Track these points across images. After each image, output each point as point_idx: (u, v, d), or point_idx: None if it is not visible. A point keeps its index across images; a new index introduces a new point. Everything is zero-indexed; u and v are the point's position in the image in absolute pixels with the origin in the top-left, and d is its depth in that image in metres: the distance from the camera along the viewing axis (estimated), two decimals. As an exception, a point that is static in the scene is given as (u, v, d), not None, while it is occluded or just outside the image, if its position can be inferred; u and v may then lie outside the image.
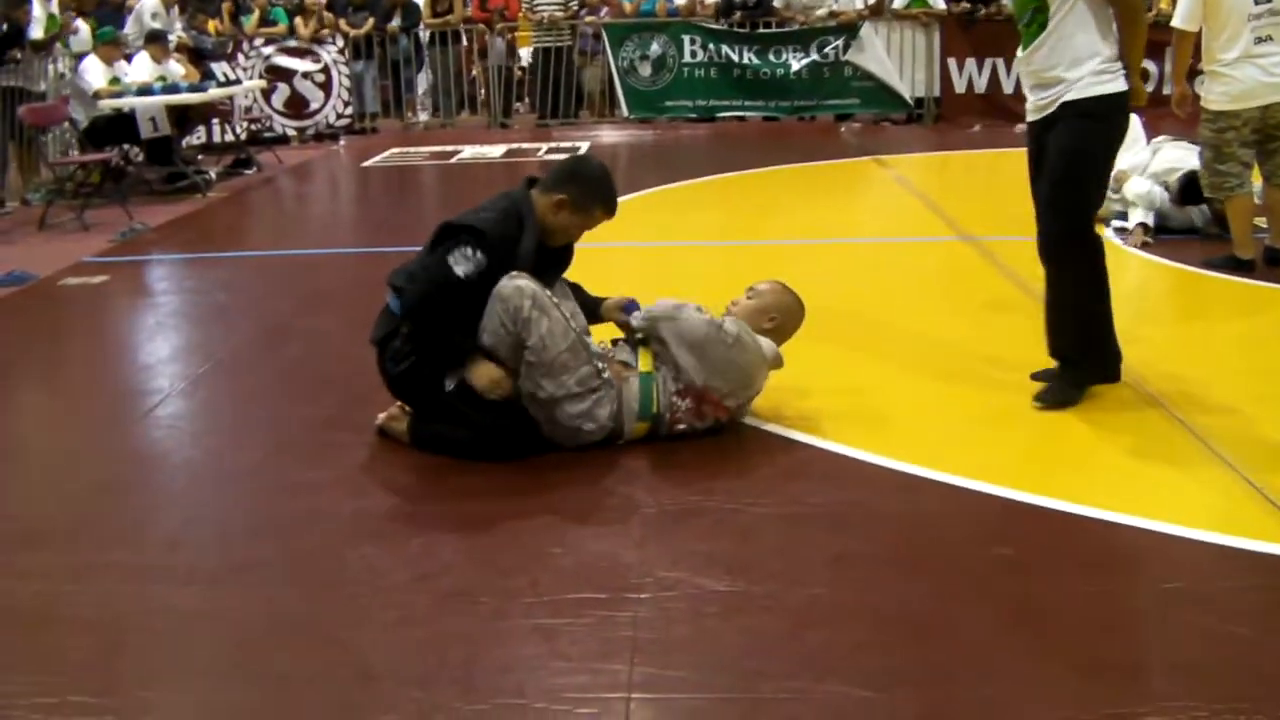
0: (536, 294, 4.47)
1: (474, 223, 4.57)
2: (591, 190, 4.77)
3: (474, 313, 4.56)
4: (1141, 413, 4.97)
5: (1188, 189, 8.16)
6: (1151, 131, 9.15)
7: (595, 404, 4.56)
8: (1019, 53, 5.05)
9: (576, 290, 5.02)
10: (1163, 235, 8.14)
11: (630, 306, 4.89)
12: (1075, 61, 4.80)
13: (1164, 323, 6.58)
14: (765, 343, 4.73)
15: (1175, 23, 7.34)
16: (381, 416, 4.90)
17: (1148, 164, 8.51)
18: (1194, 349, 5.87)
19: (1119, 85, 4.82)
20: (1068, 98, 4.82)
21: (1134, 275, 7.60)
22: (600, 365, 4.61)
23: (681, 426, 4.70)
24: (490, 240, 4.54)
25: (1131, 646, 3.28)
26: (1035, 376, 5.23)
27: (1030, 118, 5.09)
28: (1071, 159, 4.87)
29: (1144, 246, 7.96)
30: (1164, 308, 7.03)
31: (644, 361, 4.70)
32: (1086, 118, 4.81)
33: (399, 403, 4.88)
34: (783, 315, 4.91)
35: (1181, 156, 8.38)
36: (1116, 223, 8.48)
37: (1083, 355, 5.11)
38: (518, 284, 4.47)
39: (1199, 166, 8.04)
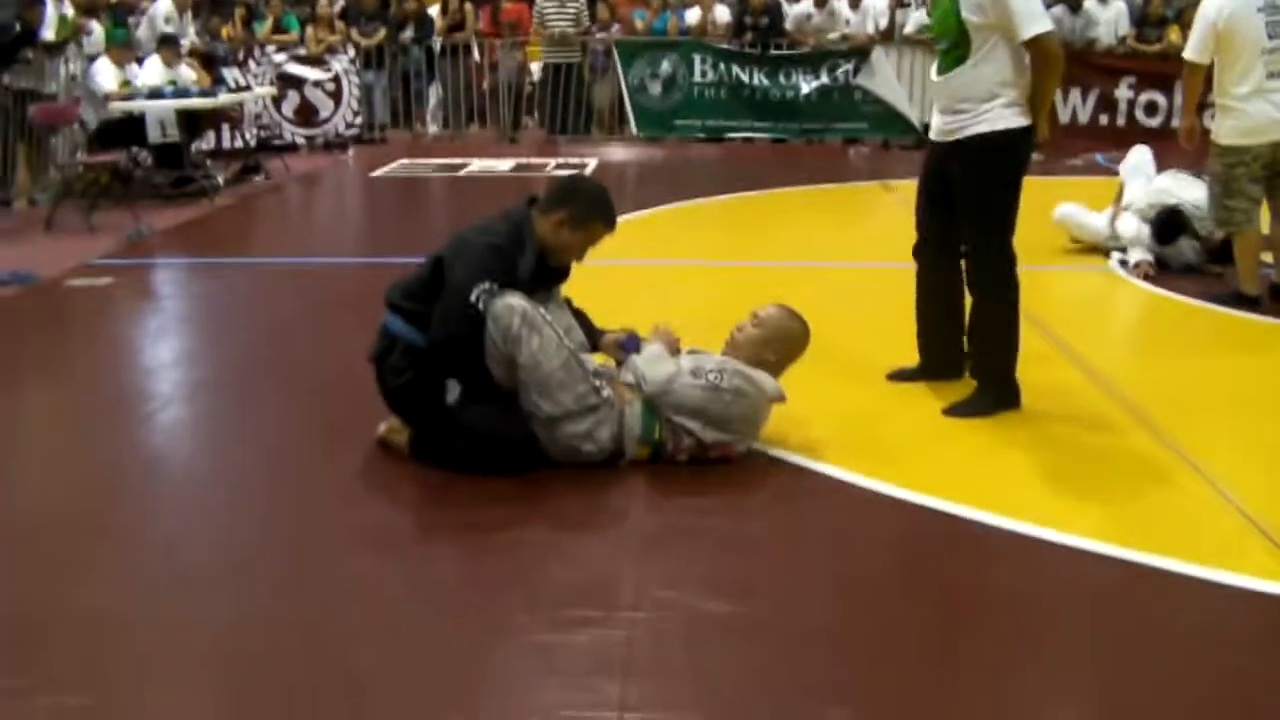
0: (526, 311, 4.45)
1: (483, 257, 4.56)
2: (590, 207, 4.77)
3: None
4: (1145, 448, 4.95)
5: (1164, 228, 8.15)
6: (1160, 163, 9.15)
7: (595, 425, 4.55)
8: (933, 74, 5.36)
9: (580, 318, 5.02)
10: (1163, 271, 8.13)
11: (629, 344, 4.88)
12: (989, 95, 5.12)
13: (1169, 358, 6.55)
14: (766, 380, 4.71)
15: (1187, 55, 7.28)
16: (382, 427, 4.89)
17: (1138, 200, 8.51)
18: (1199, 385, 5.85)
19: (1025, 119, 5.13)
20: (978, 130, 5.14)
21: (1139, 309, 7.61)
22: (599, 383, 4.59)
23: (683, 458, 4.68)
24: (501, 268, 4.55)
25: (1133, 681, 3.26)
26: (893, 376, 5.75)
27: (934, 136, 5.41)
28: (987, 192, 5.21)
29: (1148, 279, 7.96)
30: (1169, 343, 7.00)
31: None
32: (994, 151, 5.15)
33: (400, 414, 4.88)
34: (786, 344, 4.88)
35: (1166, 188, 8.38)
36: (1118, 255, 8.47)
37: (1002, 372, 5.38)
38: (508, 302, 4.45)
39: (1177, 200, 8.11)
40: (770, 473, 4.70)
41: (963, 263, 5.41)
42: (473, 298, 4.47)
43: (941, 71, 5.26)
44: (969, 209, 5.26)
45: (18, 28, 11.42)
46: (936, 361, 5.66)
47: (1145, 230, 8.25)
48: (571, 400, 4.50)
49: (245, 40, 16.02)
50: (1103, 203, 8.94)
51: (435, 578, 3.83)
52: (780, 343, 4.86)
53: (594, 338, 4.99)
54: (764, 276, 8.22)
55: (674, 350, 4.87)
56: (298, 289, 8.02)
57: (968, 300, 5.47)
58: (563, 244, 4.75)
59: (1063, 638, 3.49)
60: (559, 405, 4.50)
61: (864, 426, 5.18)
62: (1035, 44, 5.02)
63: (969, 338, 5.50)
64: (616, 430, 4.60)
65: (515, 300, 4.47)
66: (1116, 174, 9.33)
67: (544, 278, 4.76)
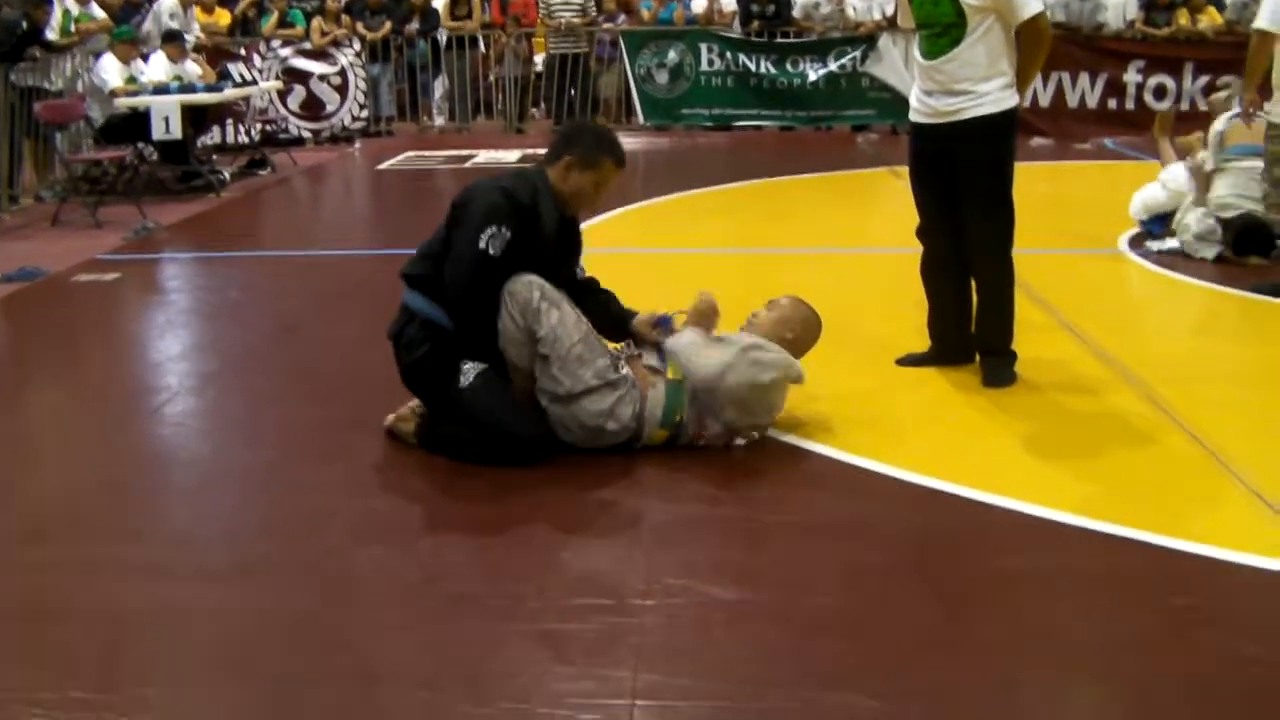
0: (545, 287, 4.49)
1: (491, 200, 4.55)
2: (594, 145, 4.75)
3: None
4: (1157, 428, 4.93)
5: (1243, 238, 7.69)
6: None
7: (618, 402, 4.53)
8: (920, 58, 5.40)
9: (609, 300, 4.99)
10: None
11: (663, 322, 4.84)
12: (986, 77, 5.23)
13: (1187, 339, 6.50)
14: (793, 363, 4.70)
15: (1261, 24, 6.99)
16: (390, 417, 4.88)
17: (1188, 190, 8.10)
18: (1214, 366, 5.84)
19: (1017, 98, 5.32)
20: (980, 112, 5.25)
21: (1179, 298, 7.45)
22: (618, 361, 4.59)
23: (702, 443, 4.67)
24: (510, 211, 4.54)
25: (1144, 664, 3.24)
26: (902, 361, 5.72)
27: (925, 119, 5.44)
28: (998, 171, 5.35)
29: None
30: (1187, 325, 6.95)
31: (673, 370, 4.64)
32: (999, 132, 5.29)
33: (409, 404, 4.85)
34: (801, 328, 4.91)
35: (1234, 190, 7.87)
36: (1155, 245, 8.22)
37: (1009, 342, 5.50)
38: (527, 279, 4.48)
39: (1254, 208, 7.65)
40: (780, 458, 4.68)
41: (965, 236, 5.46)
42: (482, 244, 4.47)
43: (933, 55, 5.28)
44: (975, 185, 5.34)
45: (24, 26, 11.43)
46: (948, 346, 5.64)
47: (1214, 227, 7.82)
48: (592, 375, 4.49)
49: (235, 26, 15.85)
50: (1117, 190, 8.80)
51: (445, 568, 3.81)
52: (795, 324, 4.90)
53: (625, 318, 4.92)
54: (774, 263, 8.21)
55: (709, 328, 4.83)
56: (305, 281, 8.00)
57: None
58: (574, 188, 4.73)
59: (1072, 621, 3.46)
60: (579, 380, 4.48)
61: (874, 410, 5.16)
62: (1032, 23, 5.15)
63: (979, 311, 5.54)
64: (638, 409, 4.57)
65: (533, 277, 4.49)
66: (1125, 158, 9.21)
67: (562, 237, 4.76)
